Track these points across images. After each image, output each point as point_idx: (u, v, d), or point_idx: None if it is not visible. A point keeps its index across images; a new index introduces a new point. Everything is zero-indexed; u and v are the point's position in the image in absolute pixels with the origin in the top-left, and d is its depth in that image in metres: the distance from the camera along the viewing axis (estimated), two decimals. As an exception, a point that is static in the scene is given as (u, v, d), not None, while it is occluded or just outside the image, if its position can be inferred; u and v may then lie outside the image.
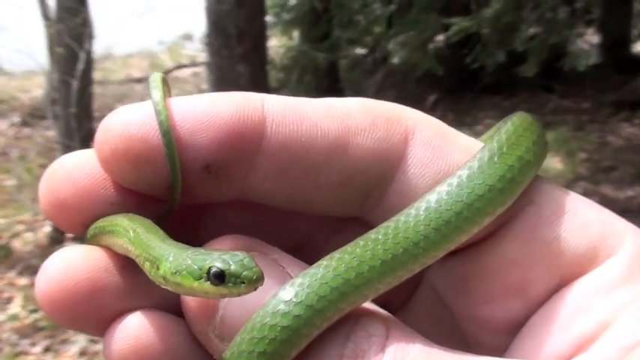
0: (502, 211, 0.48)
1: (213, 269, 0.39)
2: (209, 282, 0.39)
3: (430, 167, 0.50)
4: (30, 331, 4.69)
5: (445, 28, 7.84)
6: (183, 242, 0.45)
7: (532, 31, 7.67)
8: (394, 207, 0.49)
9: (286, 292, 0.42)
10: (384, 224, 0.46)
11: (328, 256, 0.44)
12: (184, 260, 0.41)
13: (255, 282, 0.40)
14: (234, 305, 0.43)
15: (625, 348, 0.44)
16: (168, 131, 0.43)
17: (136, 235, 0.45)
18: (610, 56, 9.02)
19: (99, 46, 8.14)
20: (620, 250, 0.49)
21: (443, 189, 0.47)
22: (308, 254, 0.49)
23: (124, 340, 0.45)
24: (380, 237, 0.45)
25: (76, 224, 0.50)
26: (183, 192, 0.47)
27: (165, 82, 0.48)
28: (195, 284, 0.40)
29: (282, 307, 0.41)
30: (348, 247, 0.44)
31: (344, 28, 10.09)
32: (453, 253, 0.53)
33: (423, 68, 8.55)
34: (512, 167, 0.48)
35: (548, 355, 0.47)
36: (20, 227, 6.52)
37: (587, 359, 0.45)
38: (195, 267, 0.40)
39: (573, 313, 0.48)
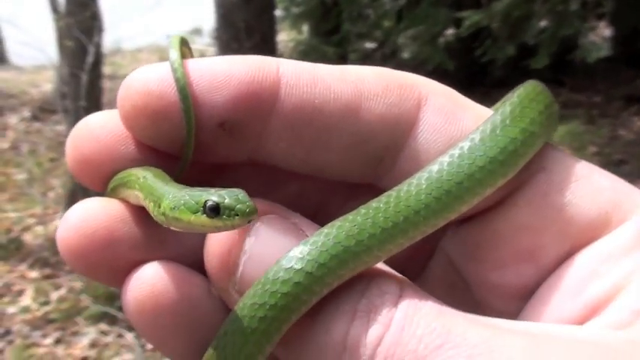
0: (504, 182, 0.48)
1: (209, 203, 0.41)
2: (205, 215, 0.41)
3: (442, 133, 0.50)
4: (41, 323, 4.73)
5: (455, 22, 7.81)
6: None
7: (543, 24, 7.63)
8: (406, 173, 0.49)
9: (288, 258, 0.43)
10: (387, 193, 0.47)
11: (330, 224, 0.45)
12: (183, 196, 0.43)
13: (247, 215, 0.41)
14: (252, 262, 0.45)
15: (637, 311, 0.44)
16: (184, 88, 0.45)
17: (144, 180, 0.47)
18: (621, 50, 8.96)
19: (108, 40, 8.16)
20: (633, 216, 0.48)
21: (445, 159, 0.47)
22: (323, 219, 0.49)
23: (140, 287, 0.47)
24: (381, 205, 0.45)
25: (98, 180, 0.51)
26: (199, 149, 0.48)
27: (185, 44, 0.50)
28: (192, 218, 0.42)
29: (281, 273, 0.42)
30: (350, 215, 0.45)
31: (353, 22, 10.07)
32: (466, 220, 0.54)
33: (433, 63, 8.53)
34: (515, 140, 0.48)
35: (560, 319, 0.47)
36: (31, 221, 6.56)
37: (598, 323, 0.45)
38: (193, 202, 0.42)
39: (585, 278, 0.47)
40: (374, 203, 0.46)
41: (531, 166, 0.50)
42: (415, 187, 0.46)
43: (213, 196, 0.42)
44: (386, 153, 0.50)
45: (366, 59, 10.94)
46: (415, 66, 10.16)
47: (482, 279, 0.54)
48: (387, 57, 10.59)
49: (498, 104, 0.54)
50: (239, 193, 0.42)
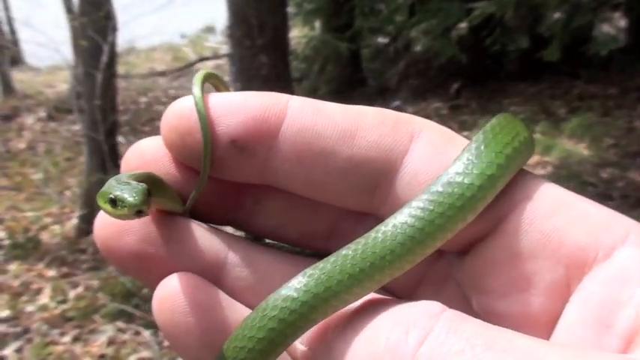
0: (464, 225, 0.50)
1: (110, 196, 0.49)
2: (109, 205, 0.49)
3: (432, 163, 0.54)
4: (59, 322, 4.77)
5: (468, 14, 7.76)
6: (223, 223, 0.56)
7: (557, 15, 7.57)
8: (400, 202, 0.53)
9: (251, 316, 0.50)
10: (356, 240, 0.51)
11: (301, 273, 0.49)
12: (104, 189, 0.51)
13: (131, 207, 0.48)
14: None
15: None
16: (202, 112, 0.54)
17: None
18: (637, 41, 8.87)
19: (122, 39, 8.19)
20: (628, 238, 0.48)
21: (412, 205, 0.51)
22: (335, 242, 0.56)
23: (163, 295, 0.54)
24: (350, 252, 0.50)
25: None
26: (216, 164, 0.55)
27: (214, 77, 0.59)
28: (106, 206, 0.50)
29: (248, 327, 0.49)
30: (320, 264, 0.49)
31: (366, 17, 10.05)
32: (465, 251, 0.55)
33: (446, 56, 8.49)
34: (473, 188, 0.50)
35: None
36: (48, 220, 6.62)
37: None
38: (105, 193, 0.50)
39: (609, 307, 0.47)
40: (343, 251, 0.50)
41: (515, 195, 0.52)
42: (382, 233, 0.50)
43: (115, 190, 0.49)
44: (380, 179, 0.55)
45: (379, 54, 10.92)
46: (428, 59, 10.13)
47: (491, 310, 0.54)
48: (400, 51, 10.56)
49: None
50: (135, 189, 0.49)
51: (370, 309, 0.48)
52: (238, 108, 0.54)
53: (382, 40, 11.04)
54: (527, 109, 7.99)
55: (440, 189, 0.50)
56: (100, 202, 0.51)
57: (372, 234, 0.50)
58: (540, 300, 0.51)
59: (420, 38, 9.60)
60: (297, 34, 10.96)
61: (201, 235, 0.57)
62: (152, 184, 0.53)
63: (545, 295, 0.50)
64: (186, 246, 0.56)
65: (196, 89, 0.55)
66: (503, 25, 7.94)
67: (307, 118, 0.54)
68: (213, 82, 0.61)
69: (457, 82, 8.96)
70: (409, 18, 9.51)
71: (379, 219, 0.53)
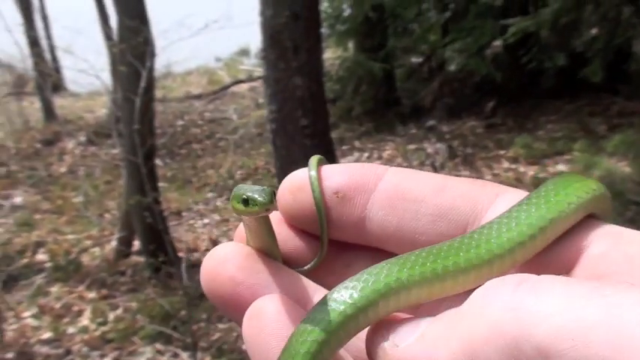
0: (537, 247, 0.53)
1: (243, 196, 0.55)
2: (241, 204, 0.55)
3: None
4: (99, 343, 4.83)
5: (502, 32, 7.72)
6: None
7: (594, 32, 7.48)
8: None
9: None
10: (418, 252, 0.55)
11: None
12: (237, 191, 0.57)
13: (262, 205, 0.54)
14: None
15: None
16: (315, 178, 0.62)
17: None
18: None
19: (159, 64, 8.34)
20: None
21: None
22: None
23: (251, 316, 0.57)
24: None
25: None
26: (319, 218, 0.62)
27: (321, 162, 0.66)
28: (238, 206, 0.56)
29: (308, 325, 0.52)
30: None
31: (398, 37, 10.07)
32: None
33: (480, 74, 8.45)
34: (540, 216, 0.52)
35: None
36: (88, 242, 6.73)
37: None
38: (237, 195, 0.56)
39: None
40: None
41: (579, 242, 0.53)
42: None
43: (248, 192, 0.56)
44: (467, 226, 0.58)
45: (413, 74, 10.91)
46: (462, 78, 10.08)
47: None
48: (434, 70, 10.53)
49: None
50: (263, 190, 0.56)
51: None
52: (344, 169, 0.62)
53: (416, 59, 11.04)
54: (564, 126, 7.87)
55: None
56: (233, 203, 0.57)
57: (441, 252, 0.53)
58: None
59: (453, 57, 9.58)
60: (331, 56, 11.02)
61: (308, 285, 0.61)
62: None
63: None
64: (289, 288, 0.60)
65: (312, 170, 0.63)
66: (540, 42, 7.87)
67: (403, 175, 0.60)
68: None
69: (492, 101, 8.88)
70: (442, 37, 9.50)
71: None
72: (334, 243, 0.63)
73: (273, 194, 0.57)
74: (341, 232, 0.62)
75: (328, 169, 0.63)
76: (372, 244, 0.62)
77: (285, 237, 0.64)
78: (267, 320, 0.55)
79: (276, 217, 0.64)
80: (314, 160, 0.65)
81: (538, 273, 0.47)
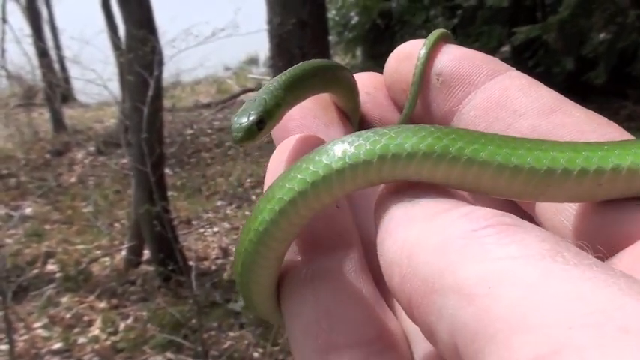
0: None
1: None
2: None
3: None
4: (110, 353, 4.82)
5: (510, 37, 7.71)
6: None
7: (602, 36, 7.46)
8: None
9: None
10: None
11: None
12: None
13: (235, 141, 0.49)
14: None
15: None
16: (424, 55, 0.57)
17: None
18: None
19: (168, 73, 8.37)
20: None
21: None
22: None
23: None
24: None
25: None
26: (421, 92, 0.57)
27: (444, 37, 0.60)
28: None
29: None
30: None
31: (407, 43, 10.07)
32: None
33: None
34: None
35: None
36: (98, 252, 6.74)
37: None
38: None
39: None
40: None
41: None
42: None
43: (236, 116, 0.51)
44: None
45: (421, 80, 10.89)
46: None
47: None
48: (442, 77, 10.50)
49: None
50: (248, 117, 0.50)
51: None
52: (459, 54, 0.56)
53: (424, 65, 11.02)
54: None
55: None
56: None
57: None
58: None
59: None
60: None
61: None
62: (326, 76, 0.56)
63: None
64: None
65: (426, 46, 0.58)
66: (547, 47, 7.86)
67: (518, 83, 0.53)
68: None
69: (501, 106, 8.86)
70: (450, 43, 9.48)
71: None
72: None
73: (260, 121, 0.49)
74: (428, 118, 0.57)
75: (447, 49, 0.58)
76: None
77: (380, 103, 0.60)
78: (289, 152, 0.51)
79: (378, 81, 0.61)
80: (435, 34, 0.60)
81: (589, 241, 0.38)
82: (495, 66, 0.55)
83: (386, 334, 0.45)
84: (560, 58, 7.82)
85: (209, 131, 11.24)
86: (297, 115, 0.55)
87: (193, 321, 4.80)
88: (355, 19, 10.20)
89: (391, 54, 0.60)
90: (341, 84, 0.57)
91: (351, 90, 0.57)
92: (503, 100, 0.52)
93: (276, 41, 5.53)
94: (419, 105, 0.57)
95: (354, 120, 0.58)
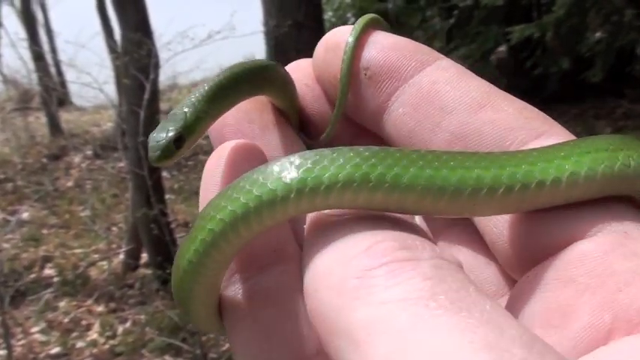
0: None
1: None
2: None
3: None
4: (108, 357, 4.81)
5: (506, 37, 7.73)
6: None
7: (598, 35, 7.47)
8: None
9: None
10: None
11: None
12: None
13: (152, 161, 0.47)
14: None
15: None
16: (351, 45, 0.53)
17: None
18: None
19: (164, 76, 8.36)
20: None
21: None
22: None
23: None
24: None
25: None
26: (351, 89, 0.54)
27: (373, 22, 0.56)
28: None
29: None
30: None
31: (403, 44, 10.08)
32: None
33: (485, 80, 8.43)
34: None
35: None
36: (95, 256, 6.73)
37: None
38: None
39: None
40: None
41: (604, 224, 0.42)
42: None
43: (153, 133, 0.48)
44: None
45: (418, 81, 10.91)
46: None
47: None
48: (439, 77, 10.52)
49: None
50: (165, 139, 0.47)
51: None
52: (387, 44, 0.53)
53: (420, 66, 11.04)
54: (570, 129, 7.79)
55: None
56: None
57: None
58: (570, 342, 0.39)
59: (458, 63, 9.57)
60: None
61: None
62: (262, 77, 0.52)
63: (577, 338, 0.39)
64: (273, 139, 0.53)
65: (355, 31, 0.54)
66: (544, 46, 7.87)
67: (447, 75, 0.51)
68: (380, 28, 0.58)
69: (498, 106, 8.87)
70: (447, 43, 9.50)
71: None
72: (354, 124, 0.55)
73: (178, 139, 0.47)
74: (359, 115, 0.55)
75: (375, 39, 0.54)
76: (385, 139, 0.53)
77: (315, 96, 0.57)
78: (224, 161, 0.48)
79: (309, 72, 0.57)
80: (363, 19, 0.55)
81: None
82: (424, 56, 0.52)
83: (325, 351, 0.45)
84: (557, 57, 7.83)
85: (206, 134, 11.22)
86: (231, 119, 0.53)
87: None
88: (352, 21, 10.21)
89: (319, 42, 0.56)
90: (274, 84, 0.53)
91: (286, 89, 0.54)
92: (432, 95, 0.50)
93: (273, 43, 5.53)
94: (350, 100, 0.54)
95: (293, 118, 0.55)
